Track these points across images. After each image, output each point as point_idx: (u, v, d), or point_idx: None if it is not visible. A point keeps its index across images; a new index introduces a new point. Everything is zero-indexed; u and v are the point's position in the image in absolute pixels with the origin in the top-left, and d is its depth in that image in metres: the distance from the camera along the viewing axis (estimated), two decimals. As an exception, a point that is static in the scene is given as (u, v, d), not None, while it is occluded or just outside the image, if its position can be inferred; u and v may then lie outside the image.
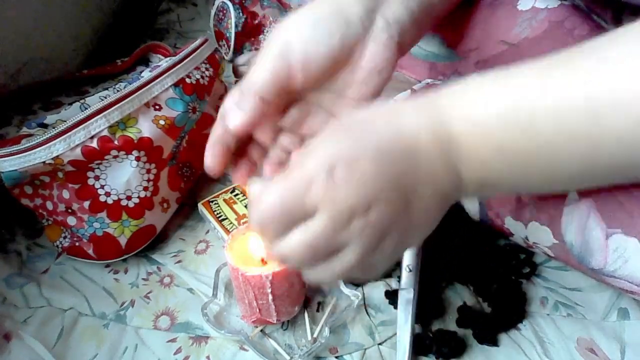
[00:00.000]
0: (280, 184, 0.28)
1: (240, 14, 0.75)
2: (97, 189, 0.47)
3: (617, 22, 0.47)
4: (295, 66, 0.34)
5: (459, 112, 0.30)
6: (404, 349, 0.42)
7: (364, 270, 0.31)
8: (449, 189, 0.31)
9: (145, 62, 0.64)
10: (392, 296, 0.47)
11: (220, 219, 0.54)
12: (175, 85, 0.51)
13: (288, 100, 0.36)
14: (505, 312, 0.45)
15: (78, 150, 0.44)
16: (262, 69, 0.33)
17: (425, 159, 0.29)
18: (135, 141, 0.47)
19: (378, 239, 0.29)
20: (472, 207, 0.48)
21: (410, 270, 0.45)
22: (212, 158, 0.36)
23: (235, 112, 0.34)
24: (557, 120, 0.28)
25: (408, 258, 0.46)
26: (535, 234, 0.42)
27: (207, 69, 0.56)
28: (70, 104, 0.49)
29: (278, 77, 0.33)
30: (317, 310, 0.47)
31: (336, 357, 0.44)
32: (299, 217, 0.28)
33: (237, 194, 0.56)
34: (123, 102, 0.47)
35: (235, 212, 0.54)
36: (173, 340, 0.45)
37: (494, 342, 0.44)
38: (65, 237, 0.51)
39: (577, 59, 0.28)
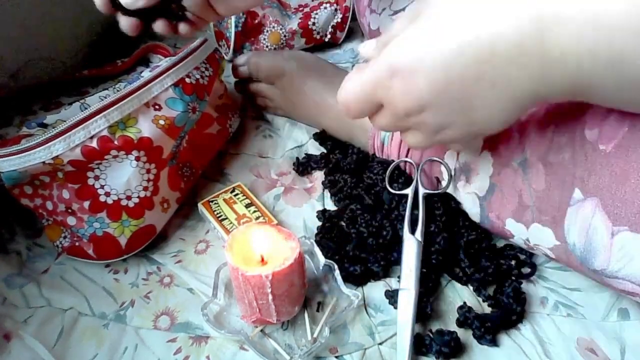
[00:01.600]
0: (358, 75, 0.35)
1: (240, 13, 0.75)
2: (97, 189, 0.47)
3: None
4: None
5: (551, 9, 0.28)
6: (403, 348, 0.42)
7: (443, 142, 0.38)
8: (523, 96, 0.32)
9: (146, 63, 0.64)
10: (392, 296, 0.47)
11: (220, 219, 0.54)
12: (175, 85, 0.51)
13: None
14: (505, 312, 0.45)
15: (78, 150, 0.44)
16: None
17: (500, 64, 0.30)
18: (135, 141, 0.47)
19: (435, 131, 0.36)
20: (472, 208, 0.48)
21: (411, 270, 0.45)
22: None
23: None
24: None
25: (408, 258, 0.46)
26: (537, 235, 0.42)
27: (206, 69, 0.56)
28: (70, 104, 0.50)
29: None
30: (317, 310, 0.47)
31: (336, 357, 0.44)
32: (372, 104, 0.36)
33: (237, 194, 0.56)
34: (123, 102, 0.47)
35: (235, 212, 0.54)
36: (173, 340, 0.45)
37: (493, 342, 0.44)
38: (65, 237, 0.51)
39: None
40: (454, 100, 0.33)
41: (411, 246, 0.47)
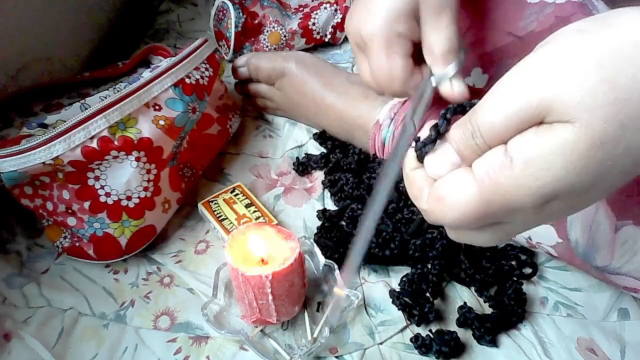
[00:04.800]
0: (485, 185, 0.24)
1: (240, 14, 0.75)
2: (97, 189, 0.47)
3: None
4: None
5: None
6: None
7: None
8: None
9: (147, 64, 0.64)
10: (395, 296, 0.47)
11: (220, 219, 0.54)
12: (175, 85, 0.51)
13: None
14: (506, 313, 0.45)
15: (78, 150, 0.44)
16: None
17: None
18: (135, 141, 0.47)
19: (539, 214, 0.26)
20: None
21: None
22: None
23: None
24: None
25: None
26: (539, 233, 0.42)
27: (206, 69, 0.56)
28: (71, 104, 0.50)
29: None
30: (317, 310, 0.47)
31: (336, 357, 0.44)
32: (492, 222, 0.26)
33: (237, 194, 0.56)
34: (123, 102, 0.47)
35: (235, 212, 0.54)
36: (173, 340, 0.46)
37: (493, 342, 0.44)
38: (65, 238, 0.51)
39: None
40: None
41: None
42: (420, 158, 0.27)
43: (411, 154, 0.28)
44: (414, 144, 0.28)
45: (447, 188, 0.25)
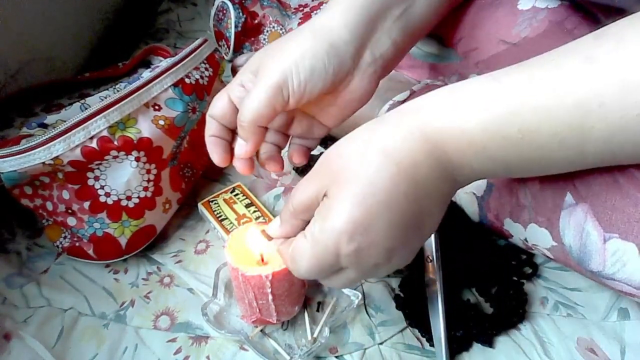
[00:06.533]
0: (312, 251, 0.32)
1: (240, 13, 0.75)
2: (97, 189, 0.47)
3: None
4: (291, 100, 0.36)
5: (448, 127, 0.31)
6: (439, 339, 0.42)
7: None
8: (450, 193, 0.33)
9: (147, 65, 0.64)
10: (399, 301, 0.47)
11: (220, 219, 0.54)
12: (175, 85, 0.51)
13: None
14: (506, 313, 0.45)
15: (78, 150, 0.44)
16: (258, 101, 0.36)
17: (430, 183, 0.31)
18: (135, 141, 0.47)
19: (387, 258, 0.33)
20: (471, 209, 0.48)
21: (432, 260, 0.45)
22: (218, 156, 0.40)
23: (240, 145, 0.39)
24: (548, 127, 0.29)
25: (427, 248, 0.45)
26: (534, 235, 0.42)
27: (206, 69, 0.56)
28: (71, 104, 0.49)
29: (274, 109, 0.36)
30: (317, 310, 0.47)
31: (336, 357, 0.44)
32: (333, 270, 0.33)
33: (237, 194, 0.56)
34: (122, 102, 0.47)
35: (235, 212, 0.54)
36: (173, 340, 0.46)
37: (493, 342, 0.44)
38: (65, 238, 0.51)
39: (563, 59, 0.29)
40: (414, 226, 0.32)
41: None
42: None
43: (274, 240, 0.37)
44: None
45: (294, 253, 0.33)
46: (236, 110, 0.38)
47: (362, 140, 0.32)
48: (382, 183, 0.30)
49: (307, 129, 0.43)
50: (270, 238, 0.38)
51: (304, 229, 0.34)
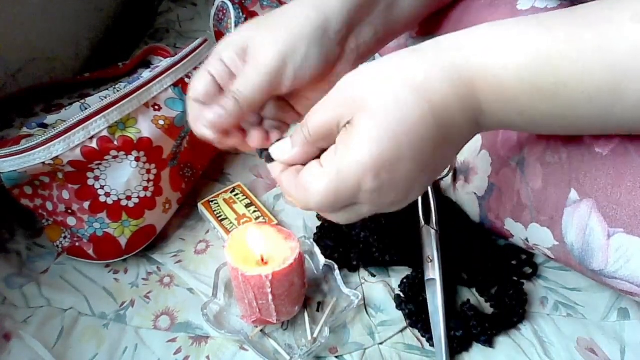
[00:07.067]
0: (329, 183, 0.30)
1: (240, 13, 0.75)
2: (97, 189, 0.47)
3: None
4: (285, 83, 0.36)
5: (484, 73, 0.30)
6: (439, 339, 0.43)
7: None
8: (469, 138, 0.33)
9: (147, 65, 0.64)
10: (399, 300, 0.47)
11: (220, 218, 0.54)
12: (175, 85, 0.51)
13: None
14: (506, 313, 0.45)
15: (78, 150, 0.44)
16: (254, 84, 0.36)
17: (456, 130, 0.31)
18: (135, 141, 0.47)
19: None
20: (472, 209, 0.48)
21: (433, 260, 0.46)
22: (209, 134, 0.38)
23: (214, 110, 0.37)
24: (583, 82, 0.28)
25: (429, 248, 0.47)
26: (536, 235, 0.42)
27: (206, 69, 0.56)
28: (71, 104, 0.49)
29: (267, 93, 0.36)
30: (317, 310, 0.47)
31: (336, 357, 0.44)
32: (345, 205, 0.31)
33: (237, 194, 0.56)
34: (122, 102, 0.47)
35: (235, 212, 0.54)
36: (173, 340, 0.46)
37: (493, 342, 0.44)
38: (65, 238, 0.51)
39: (613, 12, 0.28)
40: (433, 165, 0.32)
41: (429, 236, 0.47)
42: (269, 159, 0.34)
43: (276, 165, 0.34)
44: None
45: (307, 183, 0.31)
46: (220, 89, 0.37)
47: (391, 69, 0.30)
48: (411, 121, 0.29)
49: (278, 114, 0.42)
50: (271, 160, 0.34)
51: (315, 157, 0.32)
